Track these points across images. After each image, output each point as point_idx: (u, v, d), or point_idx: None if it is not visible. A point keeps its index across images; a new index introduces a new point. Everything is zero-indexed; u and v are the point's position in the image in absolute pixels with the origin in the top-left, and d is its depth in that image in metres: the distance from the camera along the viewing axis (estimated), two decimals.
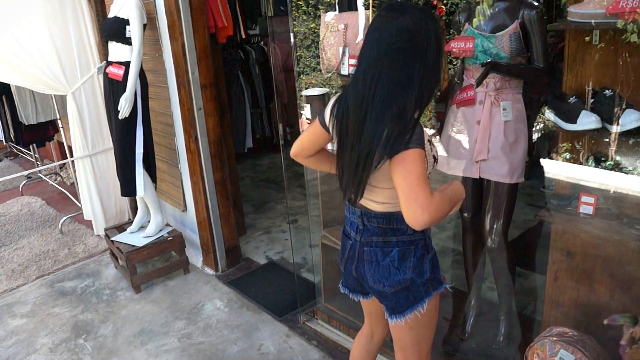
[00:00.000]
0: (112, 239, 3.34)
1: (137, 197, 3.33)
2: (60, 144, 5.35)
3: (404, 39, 1.25)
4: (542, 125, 2.03)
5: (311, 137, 1.55)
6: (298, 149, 1.59)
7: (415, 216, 1.24)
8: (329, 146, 1.60)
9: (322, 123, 1.49)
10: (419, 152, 1.25)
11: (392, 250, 1.46)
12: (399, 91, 1.27)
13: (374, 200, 1.47)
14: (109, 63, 3.00)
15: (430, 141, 1.45)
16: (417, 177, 1.24)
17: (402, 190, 1.25)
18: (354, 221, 1.53)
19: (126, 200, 3.87)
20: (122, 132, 3.00)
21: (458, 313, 2.48)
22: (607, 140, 1.65)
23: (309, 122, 2.41)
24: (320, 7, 2.62)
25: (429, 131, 1.62)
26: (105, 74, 3.03)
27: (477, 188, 2.17)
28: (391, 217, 1.45)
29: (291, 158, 1.63)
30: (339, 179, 1.46)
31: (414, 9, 1.29)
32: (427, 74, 1.29)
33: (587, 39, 1.68)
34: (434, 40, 1.27)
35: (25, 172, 5.00)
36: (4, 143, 5.49)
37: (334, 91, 2.47)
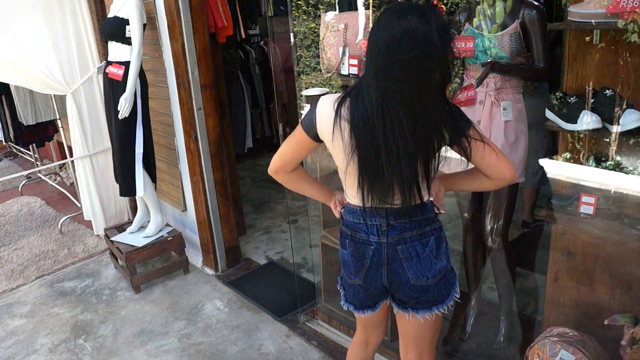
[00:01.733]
0: (111, 239, 3.34)
1: (136, 197, 3.33)
2: (60, 144, 5.35)
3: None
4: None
5: (295, 149, 1.47)
6: (279, 164, 1.50)
7: (513, 171, 1.39)
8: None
9: (310, 131, 1.42)
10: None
11: (429, 240, 1.46)
12: (427, 77, 1.23)
13: None
14: (109, 63, 3.00)
15: None
16: (491, 144, 1.38)
17: (493, 158, 1.37)
18: (374, 224, 1.46)
19: (126, 200, 3.87)
20: (121, 132, 3.00)
21: (458, 313, 2.48)
22: (608, 140, 1.64)
23: None
24: (320, 7, 2.61)
25: None
26: (105, 74, 3.02)
27: None
28: (425, 208, 1.45)
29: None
30: (360, 188, 1.38)
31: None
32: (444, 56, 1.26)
33: (587, 38, 1.68)
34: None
35: (25, 172, 5.00)
36: (4, 143, 5.49)
37: (334, 90, 2.46)
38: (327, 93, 2.42)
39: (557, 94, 1.75)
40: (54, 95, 4.04)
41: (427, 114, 1.26)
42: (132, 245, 3.20)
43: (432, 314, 1.53)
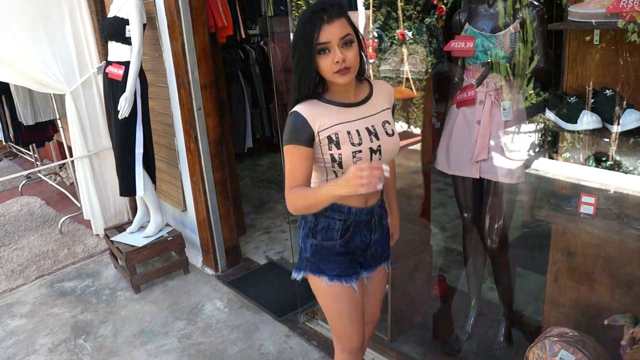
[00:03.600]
0: (111, 239, 3.34)
1: (136, 197, 3.33)
2: (60, 144, 5.35)
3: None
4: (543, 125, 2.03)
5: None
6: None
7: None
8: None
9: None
10: (288, 148, 1.45)
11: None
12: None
13: None
14: (109, 63, 3.00)
15: (330, 137, 1.43)
16: (286, 171, 1.47)
17: None
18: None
19: (126, 200, 3.87)
20: (121, 132, 3.00)
21: (458, 313, 2.48)
22: (608, 140, 1.65)
23: None
24: None
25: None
26: (105, 74, 3.02)
27: (477, 188, 2.17)
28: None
29: None
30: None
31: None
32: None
33: (587, 38, 1.68)
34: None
35: (25, 172, 5.00)
36: (4, 143, 5.49)
37: None
38: None
39: (556, 93, 1.76)
40: (53, 95, 4.04)
41: None
42: (132, 245, 3.20)
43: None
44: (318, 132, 1.43)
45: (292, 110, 1.46)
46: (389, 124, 1.53)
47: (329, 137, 1.43)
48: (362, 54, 1.45)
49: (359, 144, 1.45)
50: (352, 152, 1.44)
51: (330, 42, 1.35)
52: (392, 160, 1.68)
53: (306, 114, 1.43)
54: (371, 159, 1.46)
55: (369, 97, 1.53)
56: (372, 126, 1.48)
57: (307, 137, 1.43)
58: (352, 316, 1.66)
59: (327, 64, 1.37)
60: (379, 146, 1.47)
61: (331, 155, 1.45)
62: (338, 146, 1.44)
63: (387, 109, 1.55)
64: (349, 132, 1.45)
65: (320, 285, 1.64)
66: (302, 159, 1.44)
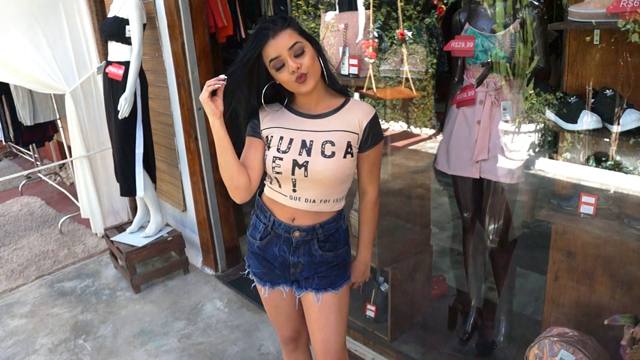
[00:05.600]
0: (111, 239, 3.34)
1: (136, 197, 3.33)
2: (60, 144, 5.35)
3: None
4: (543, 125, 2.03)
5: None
6: None
7: None
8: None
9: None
10: (247, 139, 1.52)
11: None
12: None
13: None
14: (109, 63, 3.00)
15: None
16: None
17: None
18: None
19: (125, 200, 3.87)
20: (121, 132, 3.00)
21: (458, 313, 2.48)
22: (608, 140, 1.64)
23: None
24: (320, 7, 2.62)
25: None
26: (105, 74, 3.02)
27: (477, 188, 2.17)
28: None
29: None
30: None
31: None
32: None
33: (587, 38, 1.68)
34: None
35: (25, 172, 5.00)
36: (4, 143, 5.48)
37: None
38: None
39: (557, 93, 1.76)
40: (53, 95, 4.05)
41: None
42: (132, 245, 3.20)
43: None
44: (262, 129, 1.50)
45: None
46: (333, 145, 1.43)
47: (267, 137, 1.49)
48: (322, 59, 1.44)
49: (284, 152, 1.44)
50: (273, 157, 1.46)
51: (280, 55, 1.36)
52: (374, 201, 1.61)
53: (262, 111, 1.51)
54: (293, 171, 1.44)
55: (331, 112, 1.48)
56: (311, 141, 1.44)
57: (254, 128, 1.50)
58: (273, 311, 1.72)
59: (285, 77, 1.39)
60: (306, 162, 1.43)
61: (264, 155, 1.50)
62: (268, 148, 1.48)
63: (344, 131, 1.45)
64: (281, 138, 1.46)
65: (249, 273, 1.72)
66: (248, 147, 1.51)
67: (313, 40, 1.43)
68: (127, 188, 3.13)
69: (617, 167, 1.68)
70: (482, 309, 2.42)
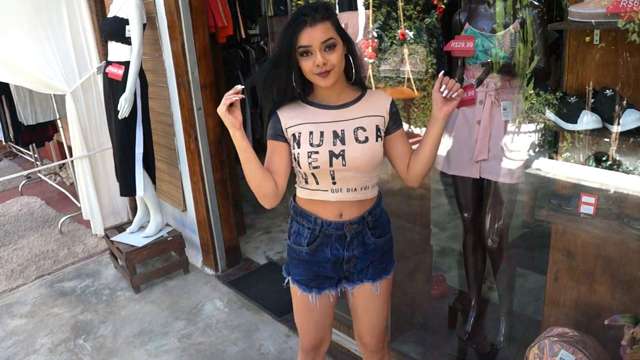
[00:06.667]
0: (111, 239, 3.34)
1: (136, 197, 3.33)
2: (60, 144, 5.35)
3: None
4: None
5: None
6: None
7: None
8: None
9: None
10: (268, 143, 1.50)
11: None
12: None
13: None
14: (109, 63, 3.00)
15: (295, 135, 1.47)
16: None
17: None
18: None
19: (125, 200, 3.87)
20: (121, 132, 3.00)
21: (458, 313, 2.48)
22: (608, 140, 1.64)
23: None
24: None
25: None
26: (105, 74, 3.02)
27: (478, 188, 2.17)
28: None
29: None
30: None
31: None
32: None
33: (587, 38, 1.68)
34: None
35: (25, 172, 5.00)
36: (4, 143, 5.49)
37: None
38: None
39: (557, 93, 1.76)
40: (54, 95, 4.04)
41: None
42: (132, 245, 3.20)
43: None
44: (286, 129, 1.47)
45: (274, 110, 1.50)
46: (364, 130, 1.45)
47: (293, 135, 1.46)
48: (352, 57, 1.44)
49: (318, 145, 1.43)
50: (308, 153, 1.43)
51: (311, 45, 1.35)
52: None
53: (280, 111, 1.48)
54: (331, 163, 1.43)
55: (353, 102, 1.49)
56: (342, 130, 1.44)
57: (276, 131, 1.48)
58: (306, 320, 1.69)
59: (308, 66, 1.38)
60: (342, 151, 1.43)
61: (293, 153, 1.47)
62: (299, 145, 1.45)
63: (371, 115, 1.48)
64: (311, 132, 1.44)
65: (290, 281, 1.68)
66: (271, 152, 1.49)
67: (348, 38, 1.43)
68: (127, 188, 3.13)
69: (617, 167, 1.68)
70: (482, 309, 2.43)
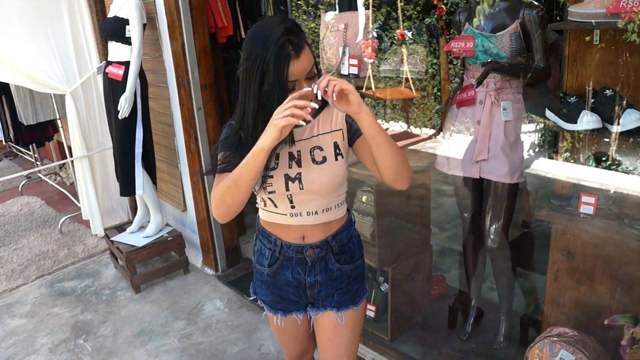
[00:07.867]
0: (111, 239, 3.34)
1: (136, 197, 3.33)
2: (60, 144, 5.35)
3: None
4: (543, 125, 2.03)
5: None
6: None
7: None
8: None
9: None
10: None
11: None
12: None
13: None
14: (109, 63, 3.00)
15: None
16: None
17: None
18: None
19: (126, 200, 3.87)
20: (121, 132, 3.00)
21: (458, 313, 2.48)
22: (608, 140, 1.65)
23: None
24: (320, 7, 2.62)
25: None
26: (105, 74, 3.02)
27: (478, 188, 2.17)
28: None
29: None
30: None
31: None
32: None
33: (587, 38, 1.68)
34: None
35: (25, 172, 5.00)
36: (4, 143, 5.49)
37: None
38: None
39: (557, 93, 1.76)
40: (54, 95, 4.05)
41: None
42: (132, 245, 3.20)
43: None
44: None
45: (229, 122, 1.36)
46: (321, 150, 1.34)
47: None
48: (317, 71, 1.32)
49: (273, 169, 1.34)
50: (263, 177, 1.34)
51: (297, 79, 1.24)
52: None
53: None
54: (287, 187, 1.33)
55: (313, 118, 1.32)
56: (298, 151, 1.34)
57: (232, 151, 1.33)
58: (281, 336, 1.66)
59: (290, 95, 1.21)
60: (299, 174, 1.33)
61: None
62: None
63: (327, 132, 1.36)
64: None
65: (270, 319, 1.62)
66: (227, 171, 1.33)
67: (315, 56, 1.32)
68: (127, 188, 3.13)
69: (617, 167, 1.68)
70: (482, 309, 2.43)
